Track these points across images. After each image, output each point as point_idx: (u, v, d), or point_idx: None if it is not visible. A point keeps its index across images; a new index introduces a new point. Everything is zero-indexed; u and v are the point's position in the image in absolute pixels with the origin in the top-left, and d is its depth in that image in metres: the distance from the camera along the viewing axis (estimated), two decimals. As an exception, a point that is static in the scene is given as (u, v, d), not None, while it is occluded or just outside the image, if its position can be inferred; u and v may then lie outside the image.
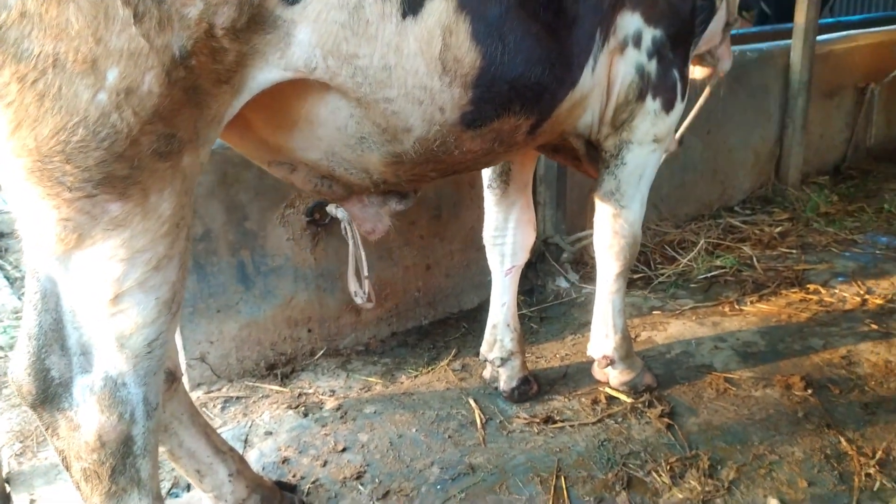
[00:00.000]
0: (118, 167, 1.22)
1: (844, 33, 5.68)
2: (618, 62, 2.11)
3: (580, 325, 3.37)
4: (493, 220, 2.71)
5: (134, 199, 1.27)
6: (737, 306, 3.44)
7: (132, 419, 1.40)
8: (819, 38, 4.91)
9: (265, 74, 1.41)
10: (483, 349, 2.84)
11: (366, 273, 2.62)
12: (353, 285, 2.66)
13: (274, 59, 1.40)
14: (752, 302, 3.47)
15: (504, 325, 2.78)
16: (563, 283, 3.76)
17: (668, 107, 2.24)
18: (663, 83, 2.19)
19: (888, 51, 5.61)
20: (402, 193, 2.09)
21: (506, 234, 2.71)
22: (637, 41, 2.09)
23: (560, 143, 2.36)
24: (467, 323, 3.49)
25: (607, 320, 2.66)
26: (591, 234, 3.72)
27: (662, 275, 3.78)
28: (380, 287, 3.27)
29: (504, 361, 2.77)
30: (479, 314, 3.56)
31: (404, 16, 1.49)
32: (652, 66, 2.14)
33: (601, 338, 2.70)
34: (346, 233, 2.66)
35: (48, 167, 1.18)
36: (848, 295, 3.51)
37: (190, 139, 1.32)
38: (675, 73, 2.21)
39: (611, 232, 2.46)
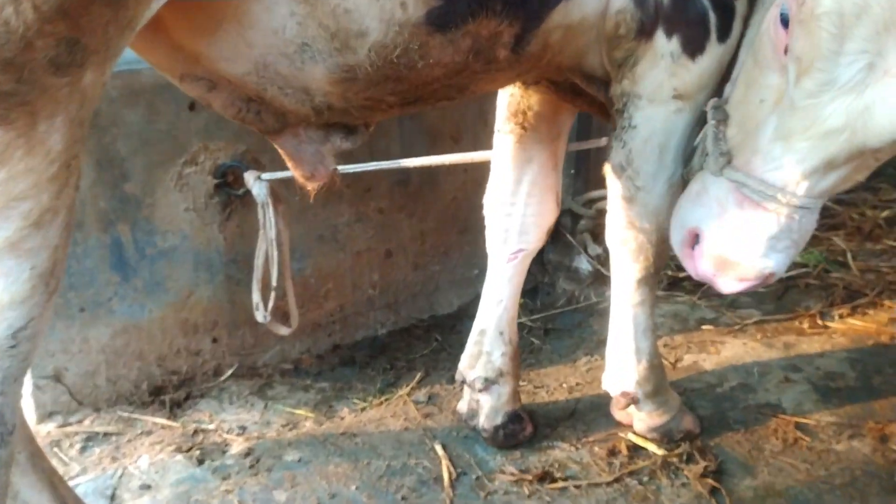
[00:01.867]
0: (2, 79, 1.27)
1: None
2: None
3: (600, 341, 3.33)
4: (501, 180, 2.73)
5: (17, 125, 1.33)
6: (820, 321, 3.49)
7: None
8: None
9: None
10: (462, 365, 2.83)
11: (274, 283, 2.68)
12: (255, 295, 2.72)
13: None
14: (841, 316, 3.52)
15: (496, 332, 2.77)
16: (583, 265, 3.81)
17: (692, 48, 2.16)
18: (683, 12, 2.12)
19: None
20: (350, 127, 2.17)
21: (515, 203, 2.71)
22: None
23: (574, 83, 2.37)
24: (441, 335, 3.51)
25: (628, 343, 2.62)
26: None
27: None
28: (317, 280, 3.24)
29: (489, 385, 2.75)
30: (458, 323, 3.59)
31: None
32: None
33: (620, 367, 2.66)
34: (262, 217, 2.70)
35: None
36: (977, 308, 3.51)
37: (96, 48, 1.39)
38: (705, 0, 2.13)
39: (625, 221, 2.41)
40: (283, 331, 2.82)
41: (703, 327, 3.43)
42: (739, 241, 1.99)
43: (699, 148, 2.19)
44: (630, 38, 2.13)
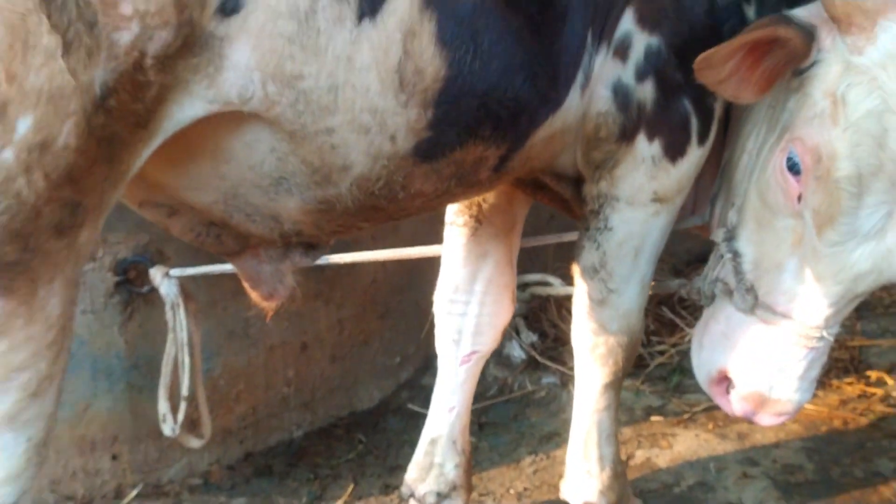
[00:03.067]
0: (10, 250, 1.44)
1: None
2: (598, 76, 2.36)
3: (542, 436, 3.67)
4: (453, 276, 2.97)
5: (18, 293, 1.49)
6: None
7: None
8: None
9: (185, 111, 1.69)
10: (410, 477, 3.06)
11: (185, 391, 2.84)
12: (162, 405, 2.87)
13: (199, 89, 1.68)
14: None
15: (449, 442, 3.02)
16: (515, 351, 4.09)
17: (674, 152, 2.46)
18: (665, 116, 2.42)
19: None
20: (312, 244, 2.36)
21: (470, 303, 2.97)
22: (623, 49, 2.33)
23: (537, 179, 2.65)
24: (364, 434, 3.70)
25: (590, 450, 2.90)
26: (544, 280, 4.06)
27: (661, 353, 4.14)
28: (227, 381, 3.40)
29: (441, 500, 2.99)
30: (380, 419, 3.82)
31: (361, 18, 1.79)
32: (646, 90, 2.38)
33: (582, 475, 2.94)
34: (172, 318, 2.85)
35: None
36: (925, 387, 4.02)
37: (94, 206, 1.57)
38: (688, 104, 2.45)
39: (595, 325, 2.71)
40: (195, 443, 2.96)
41: (652, 418, 3.75)
42: (777, 379, 2.37)
43: (709, 277, 2.54)
44: (611, 141, 2.40)
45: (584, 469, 2.93)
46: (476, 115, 2.05)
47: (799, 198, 2.23)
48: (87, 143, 1.48)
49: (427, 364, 4.04)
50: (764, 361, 2.42)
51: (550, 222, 3.84)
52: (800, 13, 2.26)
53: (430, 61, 1.91)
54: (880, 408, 3.88)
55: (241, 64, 1.70)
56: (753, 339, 2.43)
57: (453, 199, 2.45)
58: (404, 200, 2.16)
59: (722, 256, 2.52)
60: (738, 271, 2.45)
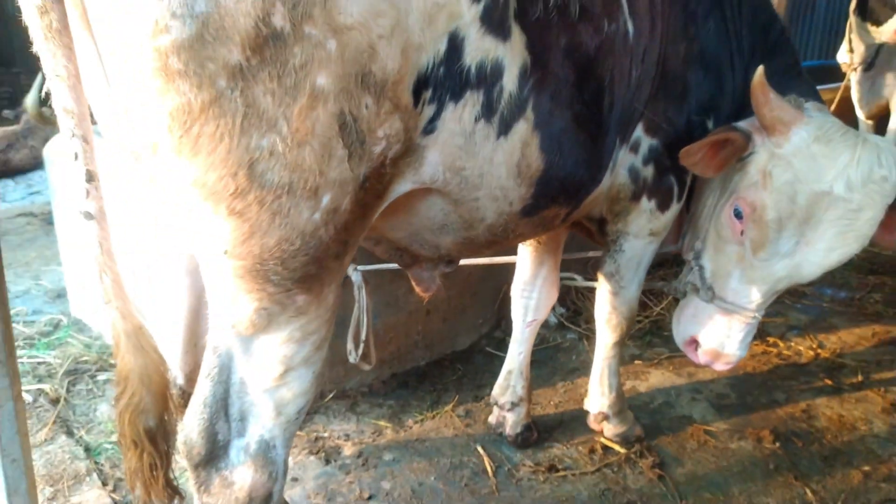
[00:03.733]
0: (313, 268, 1.51)
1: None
2: (618, 163, 2.40)
3: (569, 370, 3.70)
4: (524, 275, 3.03)
5: (314, 291, 1.56)
6: None
7: (276, 477, 1.68)
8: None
9: (401, 187, 1.72)
10: (495, 392, 3.13)
11: (363, 336, 2.86)
12: (350, 344, 2.90)
13: (409, 175, 1.72)
14: None
15: (518, 372, 3.09)
16: (551, 319, 4.10)
17: (663, 207, 2.53)
18: (658, 186, 2.48)
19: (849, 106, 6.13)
20: (452, 260, 2.41)
21: (533, 290, 3.03)
22: (635, 147, 2.39)
23: (578, 221, 2.69)
24: (461, 364, 3.76)
25: (604, 381, 2.99)
26: (572, 276, 4.06)
27: (639, 321, 4.15)
28: (384, 331, 3.49)
29: (514, 406, 3.07)
30: (470, 356, 3.85)
31: (498, 136, 1.82)
32: (648, 172, 2.43)
33: (598, 395, 3.03)
34: (357, 295, 2.88)
35: (263, 268, 1.46)
36: (802, 348, 3.98)
37: (353, 242, 1.63)
38: (672, 179, 2.50)
39: (610, 307, 2.79)
40: (366, 367, 3.01)
41: (635, 361, 3.78)
42: (727, 341, 2.46)
43: (682, 280, 2.60)
44: (626, 200, 2.47)
45: (599, 391, 3.03)
46: (557, 190, 2.08)
47: (742, 232, 2.31)
48: (354, 207, 1.53)
49: (497, 324, 4.06)
50: (719, 331, 2.48)
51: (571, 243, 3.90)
52: (742, 124, 2.32)
53: (535, 160, 1.94)
54: (775, 360, 3.86)
55: (433, 161, 1.73)
56: (712, 318, 2.50)
57: (537, 236, 2.54)
58: (511, 238, 2.22)
59: (692, 268, 2.57)
60: (702, 277, 2.52)
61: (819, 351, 3.96)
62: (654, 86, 2.30)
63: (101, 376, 3.39)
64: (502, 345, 3.90)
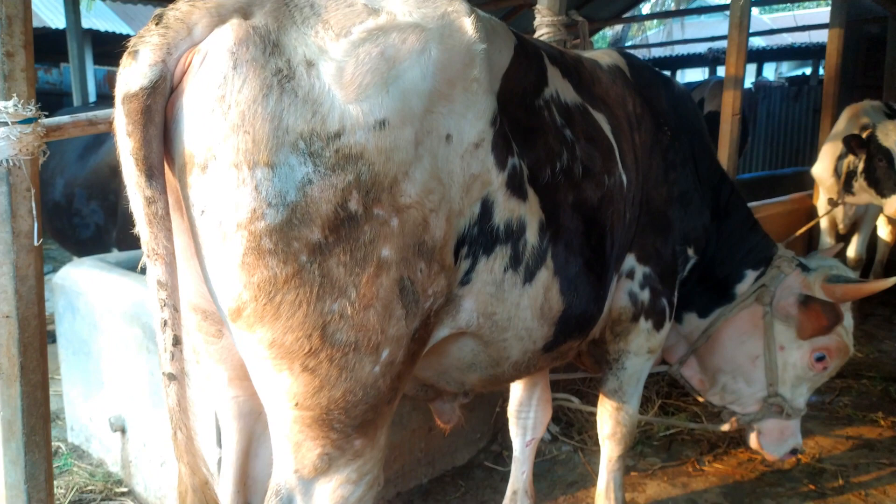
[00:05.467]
0: (370, 415, 1.65)
1: (751, 204, 6.79)
2: (617, 289, 2.70)
3: (568, 483, 3.83)
4: (520, 396, 3.22)
5: (370, 434, 1.69)
6: (698, 466, 4.03)
7: None
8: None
9: (440, 333, 1.90)
10: (500, 516, 3.24)
11: None
12: None
13: (448, 321, 1.90)
14: (709, 462, 4.06)
15: (523, 492, 3.24)
16: (546, 435, 4.23)
17: (658, 326, 2.83)
18: (653, 308, 2.78)
19: (796, 217, 6.71)
20: (470, 392, 2.53)
21: (530, 410, 3.21)
22: (630, 274, 2.72)
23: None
24: (462, 480, 3.85)
25: (610, 494, 3.15)
26: (568, 398, 4.26)
27: (629, 433, 4.33)
28: (389, 451, 3.57)
29: (521, 528, 3.18)
30: (470, 470, 3.95)
31: (524, 283, 2.04)
32: (644, 295, 2.74)
33: (603, 509, 3.18)
34: None
35: (328, 418, 1.61)
36: (783, 454, 4.21)
37: (403, 387, 1.77)
38: (664, 301, 2.82)
39: (613, 422, 3.00)
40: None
41: (630, 473, 3.91)
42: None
43: (758, 416, 3.20)
44: (627, 322, 2.73)
45: (604, 504, 3.16)
46: (574, 327, 2.28)
47: (825, 368, 3.10)
48: (406, 358, 1.68)
49: (493, 437, 4.19)
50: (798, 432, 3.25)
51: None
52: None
53: (556, 302, 2.14)
54: (760, 467, 4.05)
55: (469, 308, 1.90)
56: (796, 425, 3.26)
57: (552, 367, 2.69)
58: (531, 372, 2.38)
59: (770, 404, 3.17)
60: (787, 403, 3.14)
61: (799, 457, 4.19)
62: (640, 223, 2.65)
63: (106, 505, 3.39)
64: (499, 459, 4.05)
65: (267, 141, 1.43)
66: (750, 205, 6.41)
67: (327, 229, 1.48)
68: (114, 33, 12.37)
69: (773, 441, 3.19)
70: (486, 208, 1.84)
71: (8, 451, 2.12)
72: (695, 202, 2.91)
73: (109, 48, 12.80)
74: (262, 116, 1.43)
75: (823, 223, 6.63)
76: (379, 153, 1.51)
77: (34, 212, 2.02)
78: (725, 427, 3.31)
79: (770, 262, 3.15)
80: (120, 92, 1.48)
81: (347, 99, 1.48)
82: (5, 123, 1.94)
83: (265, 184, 1.43)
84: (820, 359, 2.97)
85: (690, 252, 2.95)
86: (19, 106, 1.96)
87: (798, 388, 3.08)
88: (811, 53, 15.75)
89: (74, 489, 3.45)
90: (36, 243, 2.03)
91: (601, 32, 17.61)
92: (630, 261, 2.69)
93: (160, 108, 1.48)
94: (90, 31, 10.79)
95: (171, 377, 1.60)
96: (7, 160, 1.96)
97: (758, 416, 3.15)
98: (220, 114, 1.44)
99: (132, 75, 1.47)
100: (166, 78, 1.47)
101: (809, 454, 4.23)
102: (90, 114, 2.20)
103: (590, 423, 4.35)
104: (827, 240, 6.67)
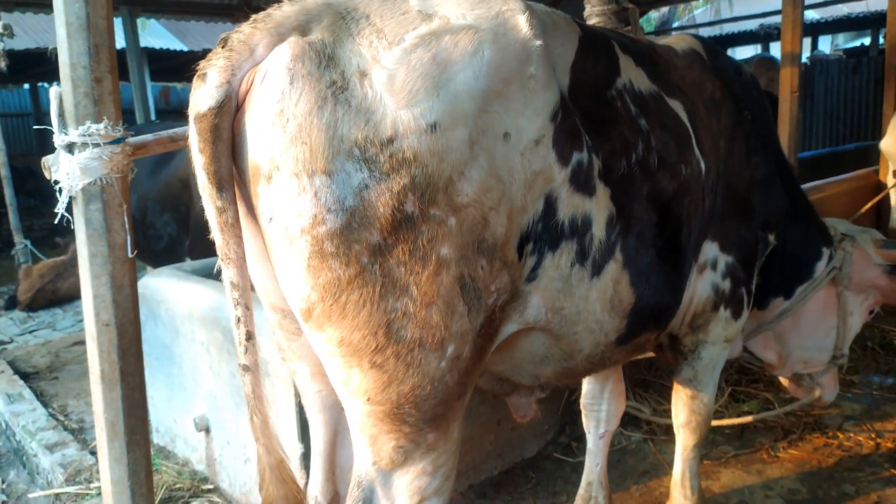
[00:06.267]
0: (440, 409, 1.70)
1: (811, 184, 6.58)
2: (698, 280, 2.67)
3: (640, 473, 3.83)
4: (591, 389, 3.23)
5: (442, 428, 1.74)
6: (772, 452, 3.97)
7: None
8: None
9: (508, 329, 1.93)
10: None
11: None
12: None
13: (515, 317, 1.92)
14: (784, 448, 4.00)
15: (598, 482, 3.25)
16: None
17: (736, 315, 2.79)
18: (734, 297, 2.75)
19: (862, 195, 6.50)
20: (546, 386, 2.53)
21: (602, 403, 3.22)
22: (714, 265, 2.68)
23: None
24: (533, 472, 3.89)
25: (685, 483, 3.13)
26: (639, 408, 4.24)
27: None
28: (463, 442, 3.64)
29: (596, 518, 3.20)
30: (540, 462, 3.99)
31: (591, 277, 2.05)
32: (726, 284, 2.71)
33: (681, 498, 3.15)
34: None
35: (400, 412, 1.67)
36: (862, 438, 4.10)
37: (473, 382, 1.82)
38: (743, 290, 2.79)
39: (688, 411, 2.98)
40: None
41: (703, 462, 3.86)
42: None
43: (817, 379, 3.45)
44: (709, 312, 2.70)
45: (682, 493, 3.13)
46: (648, 318, 2.27)
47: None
48: (473, 353, 1.71)
49: (561, 429, 4.23)
50: None
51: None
52: None
53: (627, 294, 2.13)
54: (838, 453, 3.97)
55: (536, 304, 1.91)
56: None
57: (629, 360, 2.69)
58: (607, 364, 2.37)
59: (835, 365, 3.44)
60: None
61: (879, 440, 4.08)
62: (722, 210, 2.62)
63: (195, 502, 3.56)
64: (568, 450, 4.07)
65: (323, 150, 1.49)
66: (812, 184, 6.37)
67: (386, 231, 1.53)
68: (168, 50, 12.77)
69: (831, 389, 3.49)
70: (550, 205, 1.85)
71: (112, 450, 2.26)
72: (775, 186, 2.90)
73: (164, 65, 13.28)
74: (317, 127, 1.49)
75: (894, 199, 6.40)
76: (432, 155, 1.55)
77: (126, 225, 2.15)
78: (806, 398, 3.61)
79: (831, 239, 3.24)
80: (192, 112, 1.58)
81: (399, 105, 1.53)
82: (97, 144, 2.06)
83: (324, 191, 1.50)
84: (871, 311, 3.30)
85: (771, 238, 2.92)
86: (109, 127, 2.08)
87: (852, 339, 3.37)
88: (869, 23, 15.14)
89: (164, 487, 3.63)
90: (130, 255, 2.15)
91: (646, 16, 17.30)
92: (713, 250, 2.65)
93: (227, 125, 1.57)
94: (146, 49, 11.19)
95: (246, 368, 1.73)
96: (100, 178, 2.08)
97: (821, 374, 3.42)
98: (280, 127, 1.51)
99: (201, 96, 1.56)
100: (231, 97, 1.56)
101: (890, 437, 4.12)
102: (171, 131, 2.33)
103: (658, 412, 4.34)
104: None
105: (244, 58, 1.57)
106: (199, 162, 1.58)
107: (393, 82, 1.54)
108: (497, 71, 1.67)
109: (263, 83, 1.55)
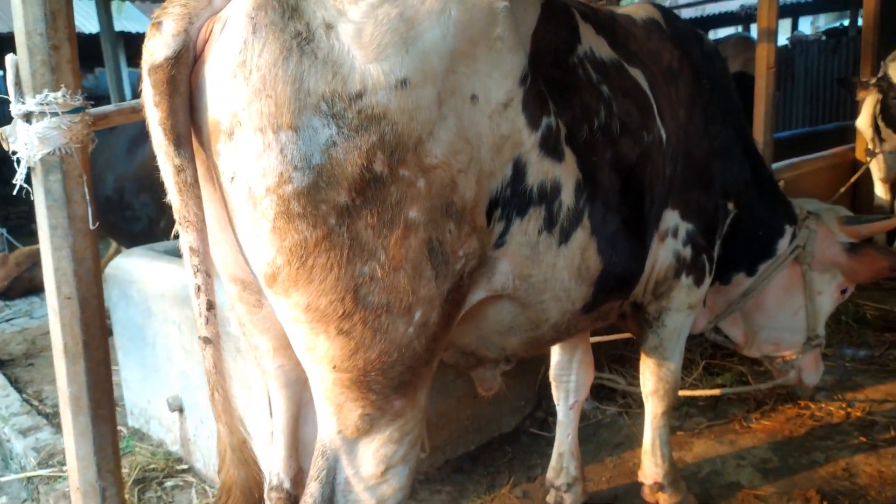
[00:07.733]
0: (407, 375, 1.69)
1: (788, 161, 6.64)
2: (660, 248, 2.71)
3: (614, 445, 3.88)
4: (560, 360, 3.26)
5: (409, 395, 1.73)
6: (745, 423, 4.03)
7: None
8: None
9: (476, 296, 1.93)
10: (550, 475, 3.31)
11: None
12: None
13: (483, 284, 1.93)
14: (756, 419, 4.06)
15: (569, 453, 3.28)
16: (587, 405, 4.27)
17: (698, 283, 2.83)
18: (695, 264, 2.79)
19: (838, 173, 6.58)
20: (510, 358, 2.55)
21: (570, 374, 3.25)
22: (675, 233, 2.71)
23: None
24: (510, 446, 3.93)
25: (656, 451, 3.17)
26: (614, 379, 4.29)
27: (673, 394, 4.35)
28: (436, 418, 3.67)
29: (569, 487, 3.25)
30: (517, 437, 4.02)
31: (560, 244, 2.06)
32: (687, 252, 2.75)
33: (651, 466, 3.20)
34: None
35: (366, 379, 1.66)
36: (833, 409, 4.17)
37: (440, 349, 1.81)
38: (704, 257, 2.82)
39: (656, 379, 3.02)
40: (422, 454, 3.19)
41: (677, 433, 3.92)
42: None
43: (796, 363, 3.48)
44: (671, 279, 2.74)
45: (652, 462, 3.18)
46: (613, 285, 2.30)
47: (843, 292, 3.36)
48: (440, 319, 1.70)
49: (538, 404, 4.25)
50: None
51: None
52: None
53: (594, 261, 2.15)
54: (809, 422, 4.04)
55: (504, 271, 1.91)
56: None
57: (594, 328, 2.77)
58: (572, 333, 2.41)
59: (815, 346, 3.43)
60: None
61: (849, 410, 4.15)
62: (682, 178, 2.64)
63: (169, 482, 3.56)
64: (545, 424, 4.11)
65: (289, 104, 1.44)
66: (789, 161, 6.41)
67: (354, 191, 1.50)
68: (145, 34, 12.56)
69: (812, 372, 3.49)
70: (519, 170, 1.85)
71: (77, 424, 2.25)
72: (735, 156, 2.92)
73: (140, 49, 13.07)
74: (282, 79, 1.44)
75: (876, 180, 6.47)
76: (401, 113, 1.52)
77: (87, 197, 2.12)
78: (780, 379, 3.64)
79: (796, 217, 3.25)
80: (146, 63, 1.51)
81: (367, 59, 1.49)
82: (56, 113, 2.04)
83: (290, 147, 1.45)
84: (843, 291, 3.26)
85: (731, 206, 2.95)
86: (68, 96, 2.05)
87: (825, 320, 3.34)
88: (849, 3, 15.22)
89: (138, 468, 3.62)
90: (91, 227, 2.13)
91: (628, -2, 17.26)
92: (674, 218, 2.68)
93: (185, 77, 1.51)
94: (122, 33, 11.02)
95: (207, 341, 1.66)
96: (59, 148, 2.06)
97: (799, 357, 3.42)
98: (242, 79, 1.45)
99: (157, 46, 1.51)
100: (189, 47, 1.50)
101: (860, 407, 4.20)
102: (134, 101, 2.30)
103: (633, 385, 4.38)
104: (881, 196, 6.50)
105: (202, 6, 1.51)
106: (155, 117, 1.51)
107: (361, 35, 1.49)
108: (464, 31, 1.65)
109: (223, 32, 1.49)
